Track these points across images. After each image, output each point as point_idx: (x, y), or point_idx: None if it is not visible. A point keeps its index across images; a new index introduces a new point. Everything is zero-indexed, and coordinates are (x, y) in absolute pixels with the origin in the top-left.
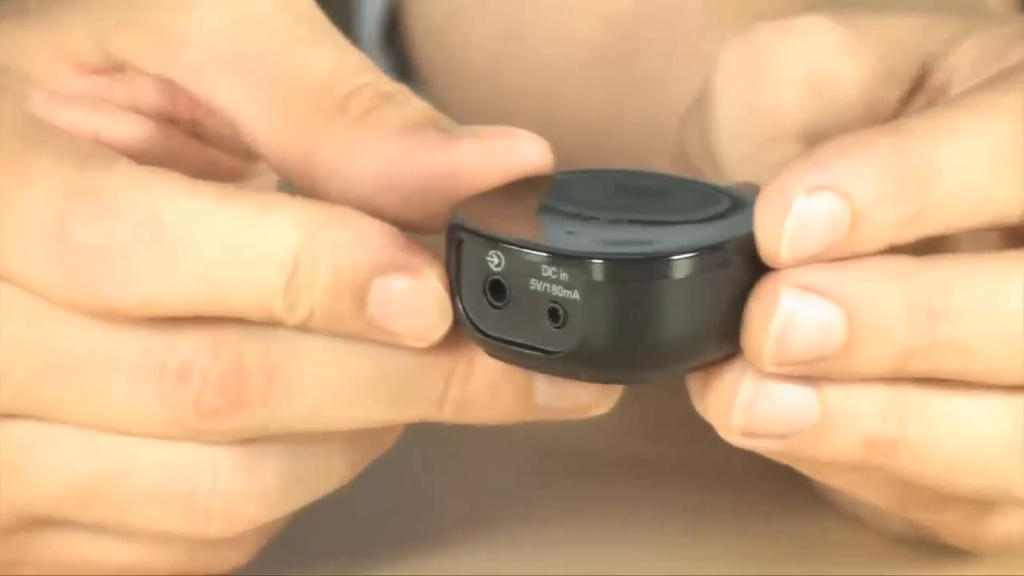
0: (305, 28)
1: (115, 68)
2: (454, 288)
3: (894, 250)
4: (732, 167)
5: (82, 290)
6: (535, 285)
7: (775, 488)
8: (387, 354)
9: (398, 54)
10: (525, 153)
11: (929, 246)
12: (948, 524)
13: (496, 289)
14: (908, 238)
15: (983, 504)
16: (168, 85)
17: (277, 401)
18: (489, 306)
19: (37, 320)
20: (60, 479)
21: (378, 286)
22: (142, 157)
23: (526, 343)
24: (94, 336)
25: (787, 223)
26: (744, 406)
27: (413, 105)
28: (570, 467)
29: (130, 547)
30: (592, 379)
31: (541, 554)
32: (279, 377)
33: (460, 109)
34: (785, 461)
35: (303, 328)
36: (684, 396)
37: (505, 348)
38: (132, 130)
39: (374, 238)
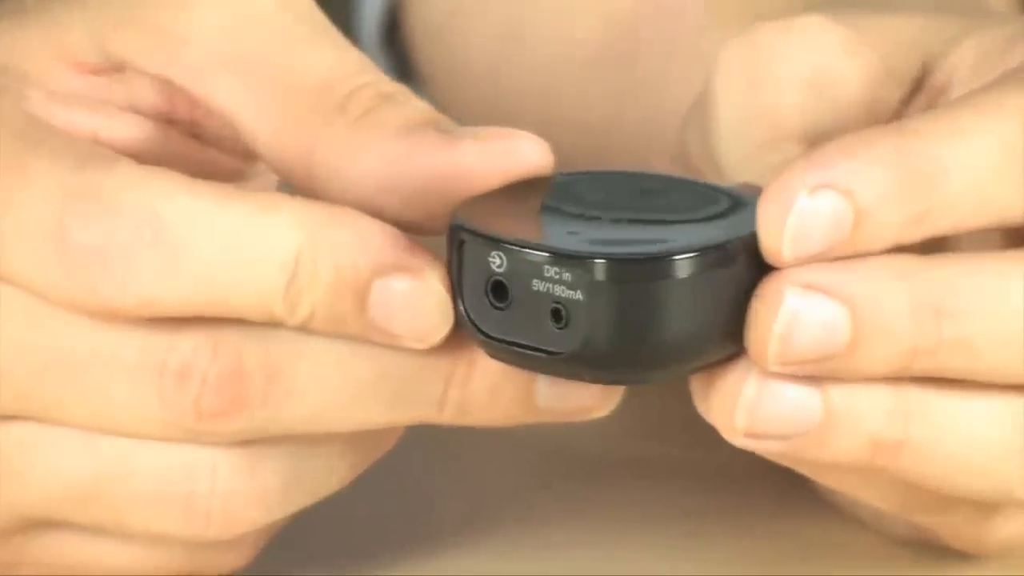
0: (305, 28)
1: (114, 68)
2: (456, 289)
3: (898, 250)
4: (732, 167)
5: (82, 290)
6: (537, 286)
7: (777, 490)
8: (388, 355)
9: (398, 54)
10: (526, 154)
11: (930, 246)
12: (951, 526)
13: (498, 290)
14: (913, 238)
15: (986, 506)
16: (167, 85)
17: (277, 402)
18: (491, 307)
19: (37, 320)
20: (59, 480)
21: (379, 287)
22: (141, 157)
23: (528, 344)
24: (94, 336)
25: (789, 221)
26: (748, 406)
27: (413, 105)
28: (571, 469)
29: (129, 548)
30: (595, 380)
31: (542, 556)
32: (279, 378)
33: (460, 109)
34: (788, 463)
35: (304, 329)
36: (685, 397)
37: (507, 349)
38: (131, 130)
39: (375, 238)
